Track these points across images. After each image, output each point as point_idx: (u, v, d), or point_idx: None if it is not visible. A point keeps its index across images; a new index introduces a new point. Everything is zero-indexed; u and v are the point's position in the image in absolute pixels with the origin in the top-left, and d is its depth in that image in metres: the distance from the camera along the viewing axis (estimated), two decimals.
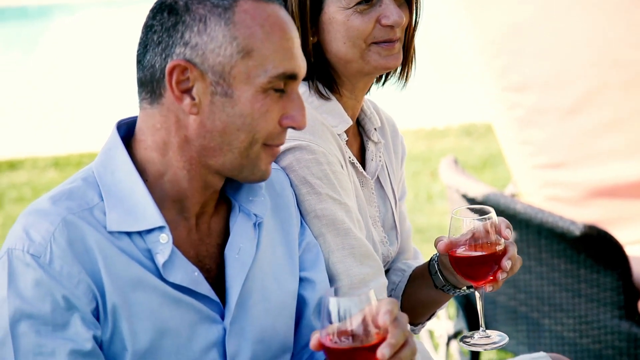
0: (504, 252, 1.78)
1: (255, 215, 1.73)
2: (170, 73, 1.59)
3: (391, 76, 2.04)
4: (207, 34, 1.58)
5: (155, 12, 1.62)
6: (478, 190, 3.34)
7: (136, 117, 1.69)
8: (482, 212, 1.79)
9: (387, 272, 2.11)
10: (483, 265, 1.78)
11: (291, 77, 1.61)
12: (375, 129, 2.06)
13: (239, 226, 1.71)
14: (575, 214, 3.53)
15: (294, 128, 1.62)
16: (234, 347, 1.68)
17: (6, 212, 6.24)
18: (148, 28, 1.62)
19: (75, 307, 1.56)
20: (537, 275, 3.24)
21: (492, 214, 1.78)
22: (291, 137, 1.85)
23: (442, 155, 6.98)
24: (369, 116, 2.06)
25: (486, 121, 7.80)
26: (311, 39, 1.91)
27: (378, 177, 2.07)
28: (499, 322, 3.40)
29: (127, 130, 1.69)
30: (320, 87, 1.94)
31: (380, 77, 2.04)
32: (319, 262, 1.82)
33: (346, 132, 1.99)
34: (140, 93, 1.65)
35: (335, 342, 1.44)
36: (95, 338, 1.59)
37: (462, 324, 3.64)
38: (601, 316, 3.10)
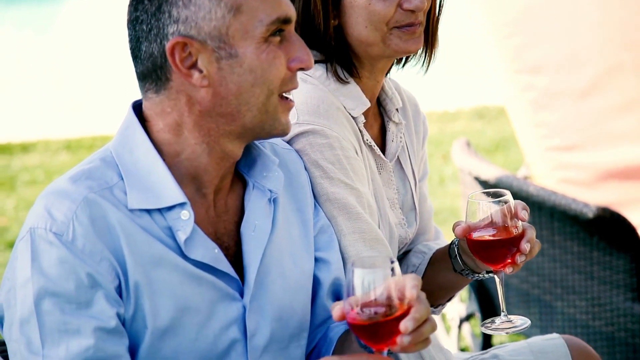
0: (522, 234, 1.78)
1: (270, 190, 1.73)
2: (172, 53, 1.59)
3: (411, 58, 2.03)
4: (192, 3, 1.58)
5: (135, 4, 1.62)
6: (490, 172, 3.34)
7: None
8: (498, 195, 1.78)
9: (406, 253, 2.11)
10: (501, 248, 1.78)
11: (285, 21, 1.62)
12: (397, 109, 2.06)
13: (254, 203, 1.72)
14: (589, 196, 3.52)
15: (303, 69, 1.64)
16: (254, 325, 1.69)
17: (19, 195, 6.26)
18: (134, 22, 1.62)
19: (99, 285, 1.57)
20: (550, 257, 3.24)
21: (508, 196, 1.78)
22: (305, 121, 1.85)
23: (454, 138, 6.97)
24: (390, 96, 2.05)
25: (498, 104, 7.77)
26: (332, 21, 1.90)
27: (398, 158, 2.06)
28: (512, 304, 3.40)
29: (141, 111, 1.70)
30: (339, 70, 1.94)
31: (401, 59, 2.04)
32: (334, 243, 1.83)
33: (365, 114, 1.99)
34: (142, 86, 1.65)
35: (358, 314, 1.45)
36: (118, 315, 1.59)
37: (475, 307, 3.64)
38: (614, 299, 3.10)
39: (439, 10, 1.99)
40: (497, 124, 7.65)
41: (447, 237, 2.20)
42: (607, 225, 3.05)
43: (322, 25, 1.89)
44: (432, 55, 2.01)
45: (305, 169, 1.85)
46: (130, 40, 1.63)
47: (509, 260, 1.79)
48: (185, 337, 1.63)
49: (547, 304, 3.29)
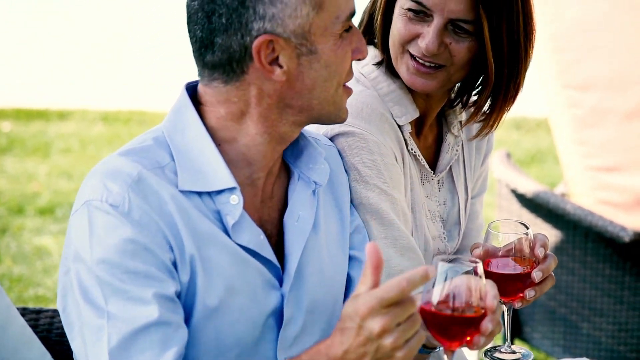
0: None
1: (315, 182, 1.74)
2: (258, 51, 1.59)
3: (471, 119, 1.97)
4: (279, 1, 1.58)
5: None
6: (528, 186, 3.31)
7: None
8: (520, 227, 1.76)
9: None
10: (514, 282, 1.75)
11: (353, 14, 1.66)
12: (461, 122, 2.03)
13: (298, 193, 1.73)
14: (626, 220, 3.47)
15: (359, 59, 1.67)
16: (289, 315, 1.69)
17: (52, 162, 6.30)
18: (209, 13, 1.61)
19: (156, 255, 1.58)
20: (580, 277, 3.20)
21: (529, 231, 1.75)
22: (347, 123, 1.84)
23: None
24: (454, 108, 2.03)
25: (537, 116, 7.71)
26: (379, 20, 1.92)
27: (450, 171, 2.04)
28: (536, 321, 3.37)
29: (194, 93, 1.70)
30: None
31: (463, 99, 1.99)
32: (367, 240, 1.84)
33: (415, 123, 1.97)
34: (210, 75, 1.65)
35: (436, 309, 1.46)
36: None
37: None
38: None
39: (514, 96, 1.96)
40: (535, 135, 7.59)
41: None
42: None
43: (380, 28, 1.91)
44: (486, 131, 1.97)
45: (344, 168, 1.86)
46: (201, 30, 1.62)
47: (520, 295, 1.76)
48: (228, 319, 1.64)
49: (573, 324, 3.25)
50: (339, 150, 1.86)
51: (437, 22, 1.83)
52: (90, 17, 11.66)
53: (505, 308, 1.81)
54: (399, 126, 1.93)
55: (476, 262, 1.47)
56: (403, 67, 1.88)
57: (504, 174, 3.45)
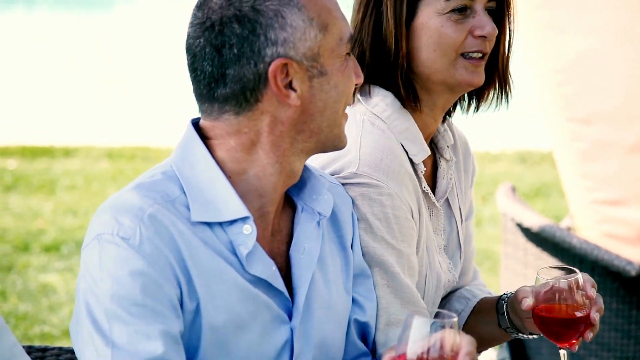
0: (589, 312, 1.76)
1: (319, 213, 1.74)
2: (274, 75, 1.61)
3: (484, 102, 2.01)
4: (289, 25, 1.61)
5: (218, 30, 1.62)
6: (534, 220, 3.30)
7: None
8: (567, 271, 1.77)
9: (448, 295, 2.09)
10: (574, 326, 1.76)
11: (352, 37, 1.70)
12: (448, 146, 2.04)
13: (303, 225, 1.73)
14: (632, 253, 3.46)
15: (357, 84, 1.70)
16: (299, 349, 1.69)
17: (58, 199, 6.31)
18: (219, 47, 1.62)
19: (164, 290, 1.58)
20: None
21: (579, 274, 1.75)
22: (364, 173, 1.84)
23: (494, 179, 6.92)
24: (442, 133, 2.04)
25: (542, 149, 7.72)
26: (403, 44, 1.89)
27: (447, 197, 2.04)
28: (544, 355, 3.35)
29: (198, 128, 1.71)
30: (406, 96, 1.92)
31: (470, 103, 2.02)
32: (372, 293, 1.84)
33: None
34: (220, 108, 1.65)
35: None
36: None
37: (506, 354, 3.59)
38: None
39: (509, 48, 1.99)
40: (539, 169, 7.59)
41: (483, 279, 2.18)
42: None
43: (393, 49, 1.89)
44: (509, 93, 2.01)
45: (353, 210, 1.85)
46: (210, 65, 1.63)
47: (577, 338, 1.76)
48: (238, 355, 1.63)
49: (580, 358, 3.23)
50: (352, 198, 1.85)
51: (480, 6, 1.89)
52: (95, 55, 11.72)
53: (563, 353, 1.81)
54: (414, 165, 1.93)
55: (452, 317, 1.46)
56: (461, 70, 1.89)
57: (509, 207, 3.44)
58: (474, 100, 2.02)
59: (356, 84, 1.70)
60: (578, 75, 3.57)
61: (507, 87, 2.00)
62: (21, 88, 10.13)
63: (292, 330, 1.68)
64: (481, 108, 2.03)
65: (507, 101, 2.01)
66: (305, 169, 1.76)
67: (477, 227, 6.14)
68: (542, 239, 3.26)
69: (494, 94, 2.00)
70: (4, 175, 6.72)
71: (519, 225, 3.38)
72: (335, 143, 1.70)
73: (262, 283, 1.66)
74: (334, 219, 1.81)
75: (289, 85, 1.63)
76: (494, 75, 1.97)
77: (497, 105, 2.01)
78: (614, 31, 3.61)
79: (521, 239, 3.42)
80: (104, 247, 1.59)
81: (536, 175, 7.38)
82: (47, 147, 7.58)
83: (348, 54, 1.68)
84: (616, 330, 3.12)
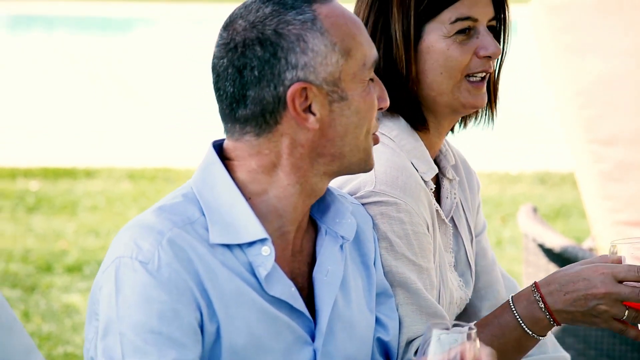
0: None
1: (342, 237, 1.75)
2: (293, 99, 1.62)
3: (471, 119, 2.04)
4: (310, 49, 1.62)
5: (240, 51, 1.64)
6: (556, 241, 3.30)
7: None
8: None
9: (463, 314, 2.09)
10: None
11: (376, 61, 1.69)
12: (450, 165, 2.06)
13: (326, 248, 1.74)
14: None
15: (381, 109, 1.70)
16: None
17: (80, 220, 6.35)
18: (240, 68, 1.64)
19: (182, 317, 1.58)
20: (609, 332, 3.18)
21: None
22: (381, 191, 1.85)
23: (514, 200, 6.91)
24: (444, 153, 2.05)
25: (562, 170, 7.70)
26: (414, 66, 1.90)
27: (452, 216, 2.06)
28: None
29: (220, 149, 1.72)
30: (414, 118, 1.94)
31: (463, 120, 2.04)
32: (395, 312, 1.85)
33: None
34: (241, 129, 1.67)
35: None
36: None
37: None
38: None
39: (499, 68, 2.00)
40: (559, 190, 7.58)
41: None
42: None
43: (404, 70, 1.90)
44: (495, 111, 2.03)
45: (373, 228, 1.86)
46: (232, 85, 1.65)
47: None
48: None
49: None
50: (371, 217, 1.86)
51: (483, 27, 1.90)
52: (115, 76, 11.81)
53: None
54: (425, 182, 1.94)
55: (471, 329, 1.47)
56: (464, 93, 1.91)
57: (531, 228, 3.45)
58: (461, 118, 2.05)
59: (380, 108, 1.70)
60: (600, 97, 3.58)
61: (495, 106, 2.02)
62: (41, 109, 10.21)
63: (315, 352, 1.68)
64: (468, 125, 2.05)
65: (493, 120, 2.03)
66: (330, 192, 1.76)
67: (498, 248, 6.13)
68: (564, 260, 3.26)
69: (482, 112, 2.03)
70: (26, 197, 6.77)
71: (541, 246, 3.38)
72: (361, 166, 1.71)
73: (282, 304, 1.66)
74: (356, 238, 1.81)
75: (308, 109, 1.63)
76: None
77: (486, 122, 2.03)
78: (636, 54, 3.63)
79: (543, 259, 3.42)
80: (121, 271, 1.59)
81: (556, 197, 7.37)
82: (69, 168, 7.63)
83: (371, 79, 1.68)
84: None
